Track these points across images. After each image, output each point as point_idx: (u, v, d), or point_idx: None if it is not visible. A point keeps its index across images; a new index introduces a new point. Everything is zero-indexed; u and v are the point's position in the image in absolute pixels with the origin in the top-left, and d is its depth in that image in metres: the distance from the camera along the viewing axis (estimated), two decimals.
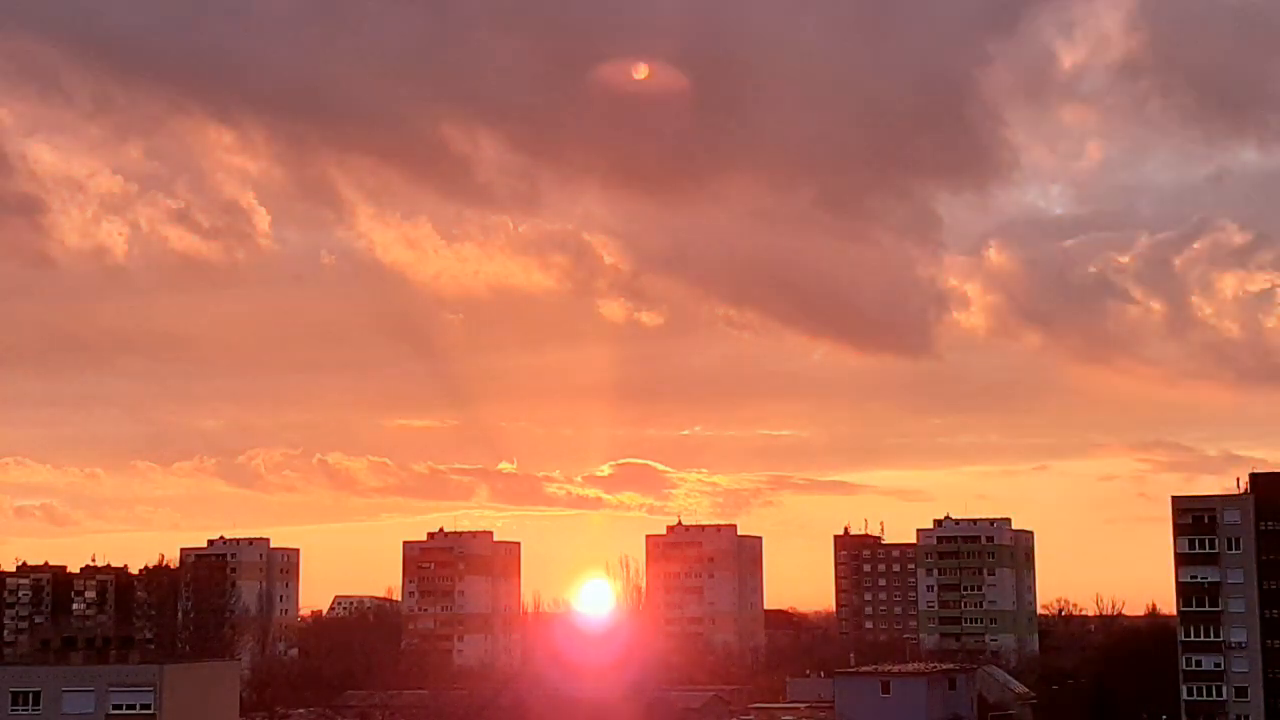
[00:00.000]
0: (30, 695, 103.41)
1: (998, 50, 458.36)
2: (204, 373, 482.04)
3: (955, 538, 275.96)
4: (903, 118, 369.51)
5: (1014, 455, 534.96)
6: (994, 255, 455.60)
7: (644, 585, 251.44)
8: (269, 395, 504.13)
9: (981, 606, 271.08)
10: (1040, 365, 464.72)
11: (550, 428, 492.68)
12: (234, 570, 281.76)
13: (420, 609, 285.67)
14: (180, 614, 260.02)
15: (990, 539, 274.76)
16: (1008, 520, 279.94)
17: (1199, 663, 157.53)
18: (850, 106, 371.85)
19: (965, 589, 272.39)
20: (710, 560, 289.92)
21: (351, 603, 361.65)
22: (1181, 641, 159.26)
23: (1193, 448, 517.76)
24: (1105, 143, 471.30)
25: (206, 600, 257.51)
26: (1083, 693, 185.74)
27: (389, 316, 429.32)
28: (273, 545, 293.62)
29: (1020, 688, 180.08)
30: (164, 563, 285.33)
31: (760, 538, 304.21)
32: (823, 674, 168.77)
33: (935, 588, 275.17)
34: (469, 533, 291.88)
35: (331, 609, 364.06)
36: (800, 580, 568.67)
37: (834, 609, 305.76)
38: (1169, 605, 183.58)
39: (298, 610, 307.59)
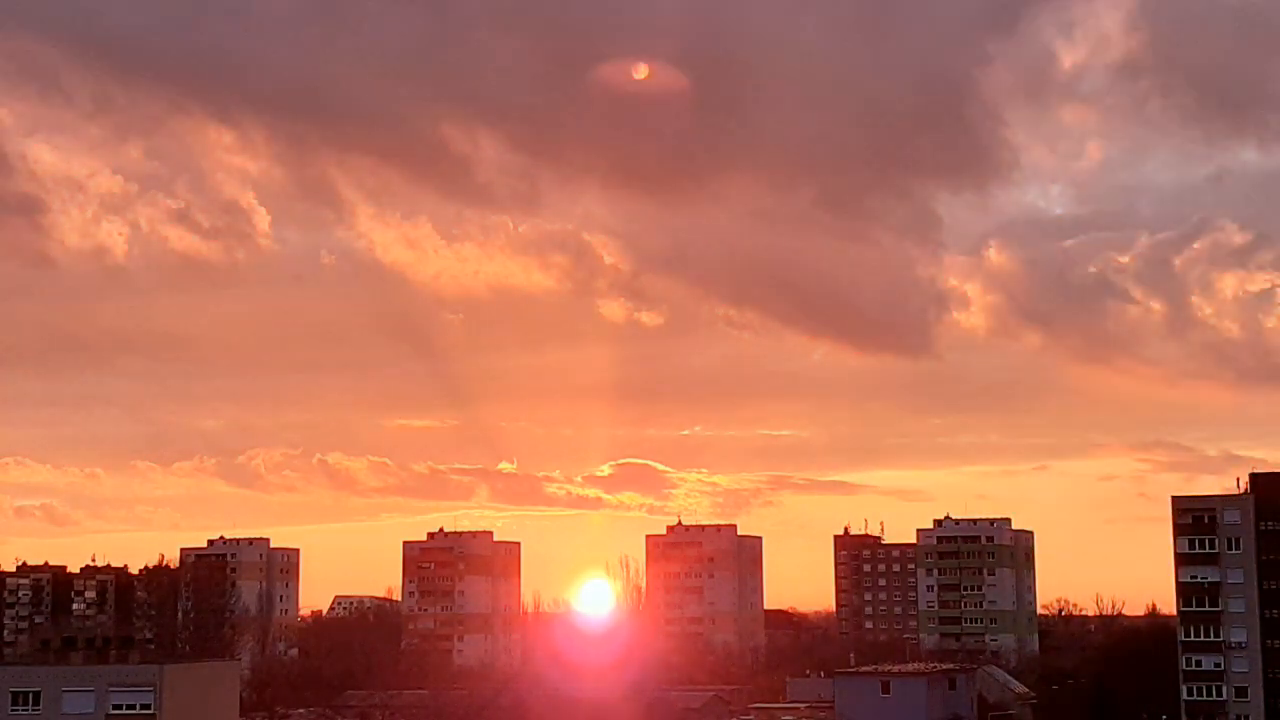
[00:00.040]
0: (30, 695, 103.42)
1: (998, 50, 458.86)
2: (204, 373, 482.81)
3: (955, 538, 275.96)
4: (903, 118, 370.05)
5: (1014, 455, 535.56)
6: (994, 255, 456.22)
7: (644, 585, 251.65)
8: (269, 395, 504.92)
9: (981, 606, 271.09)
10: (1040, 365, 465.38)
11: (550, 428, 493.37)
12: (234, 570, 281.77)
13: (420, 609, 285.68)
14: (180, 614, 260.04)
15: (990, 539, 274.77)
16: (1008, 520, 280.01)
17: (1199, 663, 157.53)
18: (850, 106, 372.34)
19: (965, 589, 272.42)
20: (710, 560, 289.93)
21: (351, 603, 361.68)
22: (1181, 641, 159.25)
23: (1193, 448, 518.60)
24: (1105, 143, 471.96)
25: (206, 600, 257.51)
26: (1083, 693, 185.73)
27: (389, 316, 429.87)
28: (273, 545, 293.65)
29: (1020, 688, 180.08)
30: (164, 563, 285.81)
31: (760, 538, 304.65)
32: (823, 674, 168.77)
33: (935, 588, 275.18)
34: (469, 533, 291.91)
35: (331, 609, 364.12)
36: (800, 580, 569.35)
37: (834, 609, 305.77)
38: (1169, 605, 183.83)
39: (298, 610, 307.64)
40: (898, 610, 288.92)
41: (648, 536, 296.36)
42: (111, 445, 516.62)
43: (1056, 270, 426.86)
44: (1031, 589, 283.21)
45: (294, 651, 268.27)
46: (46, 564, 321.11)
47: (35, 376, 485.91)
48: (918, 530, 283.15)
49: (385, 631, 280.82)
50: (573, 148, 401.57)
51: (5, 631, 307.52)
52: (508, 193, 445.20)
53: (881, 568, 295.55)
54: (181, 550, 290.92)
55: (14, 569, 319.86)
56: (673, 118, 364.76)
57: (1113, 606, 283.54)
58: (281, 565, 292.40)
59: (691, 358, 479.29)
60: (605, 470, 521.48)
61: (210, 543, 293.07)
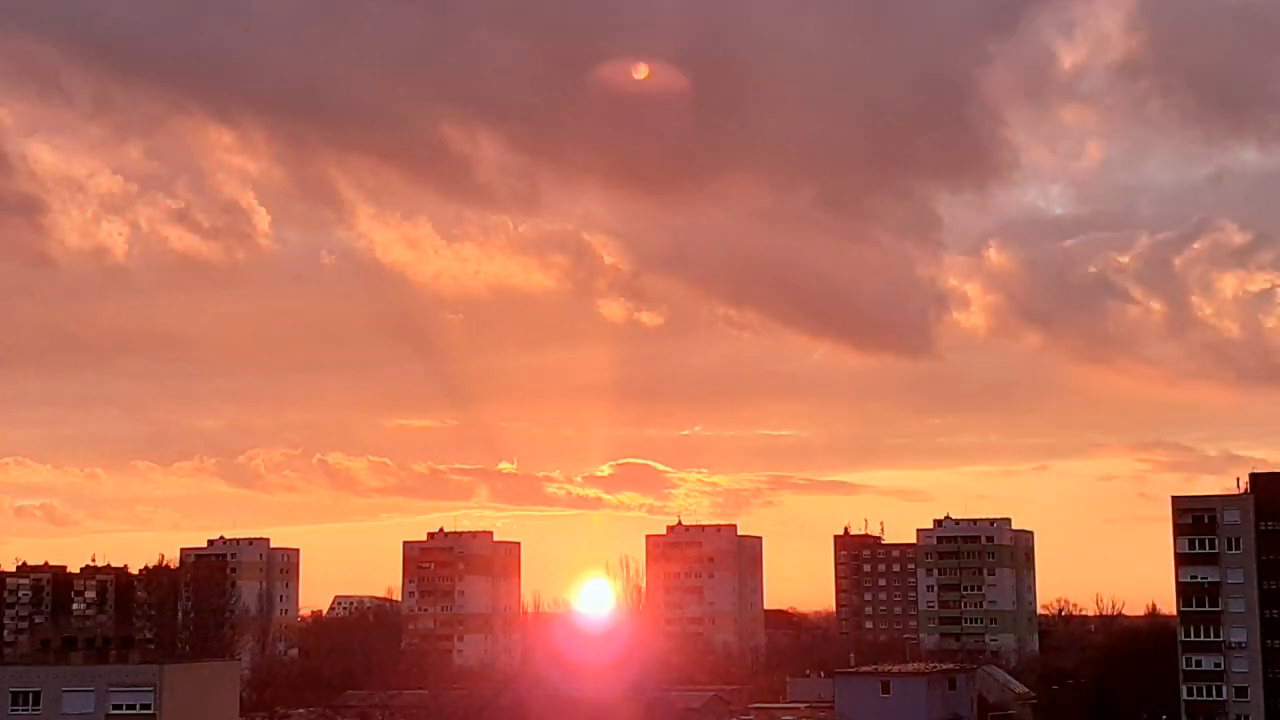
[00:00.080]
0: (30, 695, 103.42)
1: (998, 50, 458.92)
2: (204, 373, 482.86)
3: (955, 538, 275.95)
4: (903, 118, 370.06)
5: (1014, 455, 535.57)
6: (994, 255, 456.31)
7: (644, 585, 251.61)
8: (269, 395, 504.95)
9: (981, 606, 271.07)
10: (1040, 365, 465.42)
11: (550, 428, 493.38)
12: (234, 570, 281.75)
13: (420, 609, 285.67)
14: (180, 614, 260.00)
15: (990, 539, 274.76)
16: (1008, 520, 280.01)
17: (1199, 663, 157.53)
18: (850, 106, 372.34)
19: (965, 589, 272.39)
20: (710, 560, 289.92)
21: (351, 603, 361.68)
22: (1181, 641, 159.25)
23: (1193, 448, 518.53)
24: (1105, 143, 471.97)
25: (206, 600, 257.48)
26: (1083, 693, 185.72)
27: (389, 316, 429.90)
28: (273, 545, 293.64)
29: (1020, 688, 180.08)
30: (164, 563, 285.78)
31: (760, 538, 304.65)
32: (823, 674, 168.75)
33: (935, 588, 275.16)
34: (469, 533, 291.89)
35: (331, 609, 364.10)
36: (800, 580, 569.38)
37: (834, 609, 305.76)
38: (1169, 605, 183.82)
39: (298, 610, 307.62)
40: (898, 610, 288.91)
41: (648, 536, 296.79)
42: (111, 445, 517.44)
43: (1056, 270, 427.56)
44: (1031, 589, 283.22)
45: (294, 651, 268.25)
46: (46, 564, 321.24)
47: (35, 376, 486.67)
48: (918, 530, 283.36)
49: (385, 631, 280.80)
50: (573, 148, 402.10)
51: (5, 631, 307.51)
52: (508, 193, 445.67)
53: (881, 568, 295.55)
54: (181, 550, 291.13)
55: (14, 569, 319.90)
56: (673, 118, 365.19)
57: (1113, 606, 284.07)
58: (281, 565, 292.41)
59: (691, 358, 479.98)
60: (605, 470, 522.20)
61: (210, 543, 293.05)
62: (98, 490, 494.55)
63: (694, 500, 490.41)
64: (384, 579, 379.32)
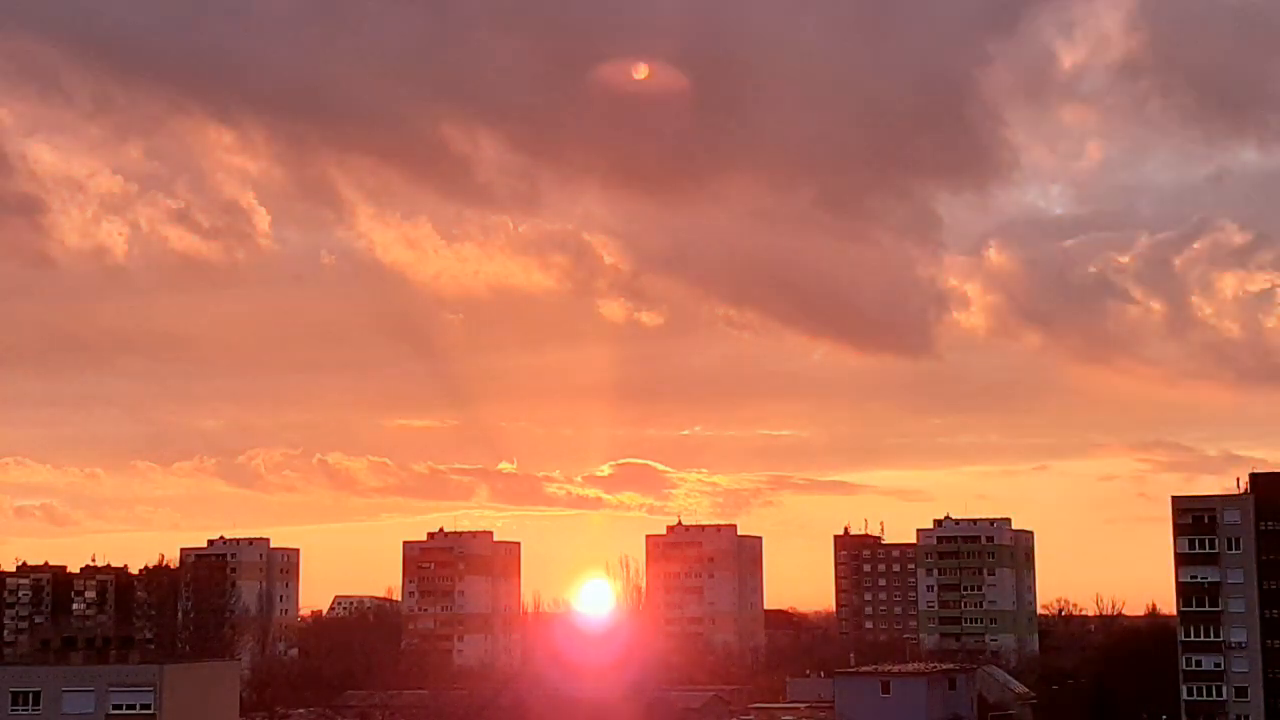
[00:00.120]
0: (30, 695, 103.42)
1: (998, 50, 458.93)
2: (204, 373, 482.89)
3: (955, 538, 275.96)
4: (903, 118, 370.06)
5: (1014, 455, 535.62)
6: (994, 255, 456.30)
7: (644, 585, 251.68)
8: (269, 395, 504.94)
9: (981, 606, 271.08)
10: (1040, 365, 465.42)
11: (550, 428, 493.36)
12: (234, 570, 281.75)
13: (420, 609, 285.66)
14: (180, 614, 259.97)
15: (990, 539, 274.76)
16: (1008, 520, 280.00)
17: (1199, 663, 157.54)
18: (850, 106, 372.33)
19: (965, 589, 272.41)
20: (710, 560, 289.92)
21: (351, 603, 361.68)
22: (1181, 641, 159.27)
23: (1193, 448, 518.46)
24: (1105, 143, 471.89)
25: (206, 600, 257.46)
26: (1083, 693, 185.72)
27: (389, 316, 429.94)
28: (273, 545, 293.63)
29: (1020, 688, 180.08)
30: (164, 563, 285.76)
31: (760, 538, 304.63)
32: (823, 674, 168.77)
33: (935, 588, 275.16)
34: (469, 533, 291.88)
35: (331, 609, 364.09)
36: (800, 580, 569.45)
37: (834, 609, 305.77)
38: (1169, 605, 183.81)
39: (298, 610, 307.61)
40: (898, 610, 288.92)
41: (648, 536, 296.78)
42: (111, 445, 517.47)
43: (1056, 270, 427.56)
44: (1031, 589, 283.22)
45: (294, 651, 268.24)
46: (46, 564, 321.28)
47: (35, 376, 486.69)
48: (918, 530, 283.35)
49: (385, 631, 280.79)
50: (573, 148, 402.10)
51: (5, 631, 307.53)
52: (508, 193, 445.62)
53: (881, 568, 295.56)
54: (181, 550, 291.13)
55: (14, 569, 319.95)
56: (673, 118, 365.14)
57: (1113, 606, 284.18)
58: (281, 565, 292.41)
59: (691, 358, 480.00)
60: (605, 470, 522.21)
61: (210, 543, 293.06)
62: (98, 490, 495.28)
63: (694, 500, 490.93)
64: (384, 579, 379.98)
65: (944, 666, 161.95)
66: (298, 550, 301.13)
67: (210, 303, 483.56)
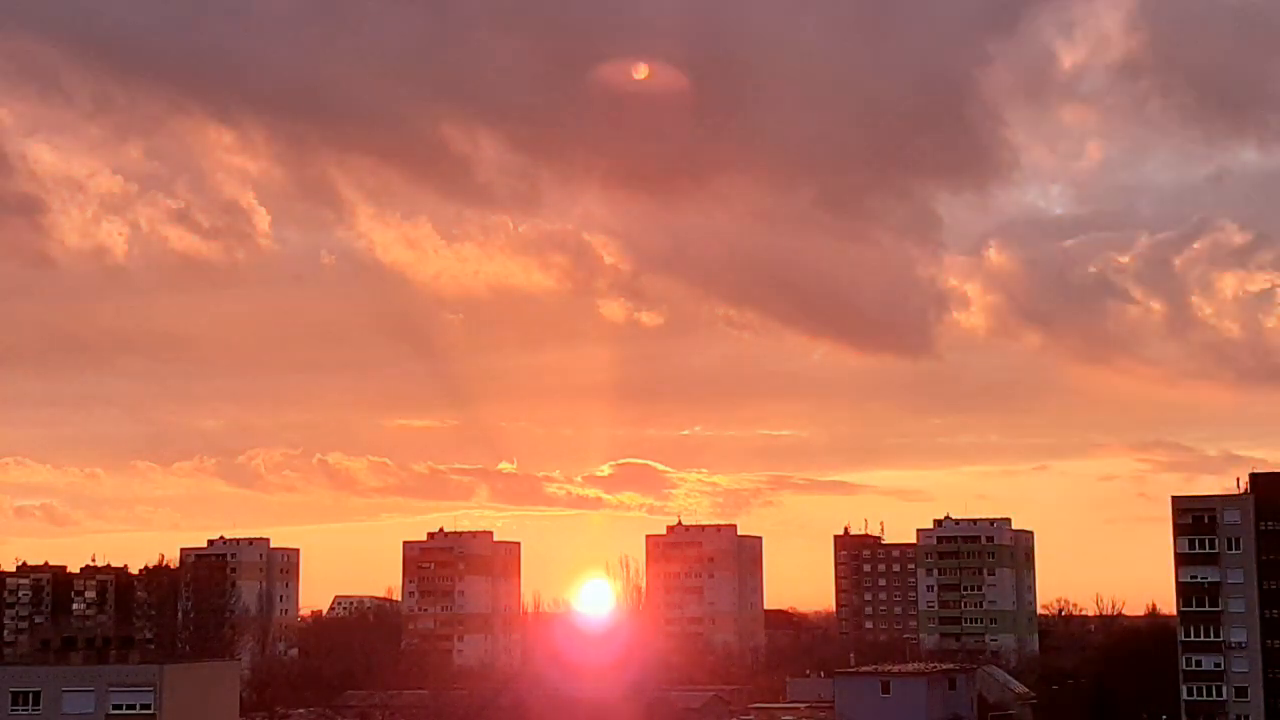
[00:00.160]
0: (30, 695, 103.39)
1: (998, 50, 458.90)
2: (204, 373, 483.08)
3: (955, 538, 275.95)
4: (903, 118, 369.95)
5: (1014, 455, 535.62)
6: (994, 255, 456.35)
7: (644, 585, 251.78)
8: (269, 395, 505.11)
9: (981, 606, 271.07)
10: (1040, 365, 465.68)
11: (550, 428, 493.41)
12: (234, 570, 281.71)
13: (420, 609, 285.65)
14: (180, 614, 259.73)
15: (990, 539, 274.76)
16: (1008, 520, 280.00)
17: (1199, 663, 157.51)
18: (850, 106, 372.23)
19: (965, 589, 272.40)
20: (710, 560, 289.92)
21: (351, 603, 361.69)
22: (1181, 641, 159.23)
23: (1193, 448, 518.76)
24: (1105, 143, 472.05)
25: (206, 600, 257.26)
26: (1083, 693, 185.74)
27: (389, 316, 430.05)
28: (273, 545, 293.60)
29: (1020, 688, 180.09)
30: (164, 563, 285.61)
31: (760, 538, 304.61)
32: (823, 674, 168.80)
33: (935, 588, 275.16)
34: (469, 533, 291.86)
35: (331, 609, 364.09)
36: (800, 580, 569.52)
37: (834, 609, 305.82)
38: (1169, 605, 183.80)
39: (298, 610, 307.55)
40: (898, 610, 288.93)
41: (648, 536, 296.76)
42: (111, 445, 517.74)
43: (1056, 270, 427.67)
44: (1031, 589, 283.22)
45: (294, 651, 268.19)
46: (46, 564, 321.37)
47: (35, 376, 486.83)
48: (918, 530, 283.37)
49: (385, 631, 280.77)
50: (573, 148, 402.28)
51: (5, 631, 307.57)
52: (508, 193, 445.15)
53: (881, 568, 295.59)
54: (181, 550, 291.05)
55: (14, 569, 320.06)
56: (673, 118, 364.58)
57: (1113, 606, 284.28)
58: (281, 565, 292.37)
59: (691, 358, 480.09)
60: (605, 470, 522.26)
61: (210, 543, 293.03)
62: (98, 490, 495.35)
63: (694, 500, 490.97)
64: (384, 579, 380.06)
65: (944, 666, 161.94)
66: (298, 550, 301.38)
67: (210, 303, 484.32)
